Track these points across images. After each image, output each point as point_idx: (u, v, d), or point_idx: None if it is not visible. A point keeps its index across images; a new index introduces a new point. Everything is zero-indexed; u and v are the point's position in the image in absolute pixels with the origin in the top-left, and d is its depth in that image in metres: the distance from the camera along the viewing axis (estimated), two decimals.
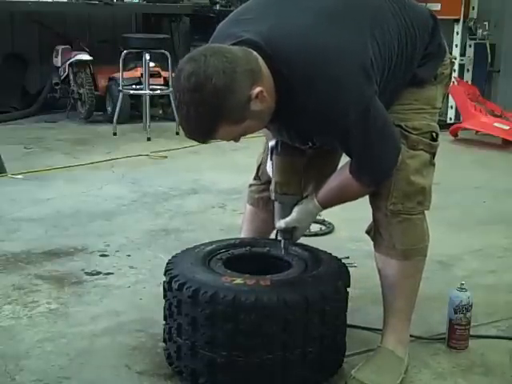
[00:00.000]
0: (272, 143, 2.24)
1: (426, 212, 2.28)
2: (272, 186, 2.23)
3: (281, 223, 2.20)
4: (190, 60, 1.83)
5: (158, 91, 6.29)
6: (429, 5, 6.40)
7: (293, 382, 2.04)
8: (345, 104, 1.90)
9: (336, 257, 2.30)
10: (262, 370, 1.99)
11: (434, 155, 2.21)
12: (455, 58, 2.26)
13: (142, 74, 6.15)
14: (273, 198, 2.23)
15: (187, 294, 2.01)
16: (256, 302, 1.95)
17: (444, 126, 6.46)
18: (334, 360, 2.15)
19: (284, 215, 2.20)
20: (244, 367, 1.99)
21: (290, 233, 2.20)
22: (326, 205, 2.18)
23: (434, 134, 2.18)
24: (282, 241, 2.23)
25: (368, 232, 2.25)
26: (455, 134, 6.08)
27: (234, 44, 1.90)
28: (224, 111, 1.81)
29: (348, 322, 2.22)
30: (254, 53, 1.87)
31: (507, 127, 5.75)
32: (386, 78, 2.02)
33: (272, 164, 2.23)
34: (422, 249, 2.21)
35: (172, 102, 6.11)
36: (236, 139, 1.96)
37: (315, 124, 1.97)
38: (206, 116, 1.80)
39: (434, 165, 2.23)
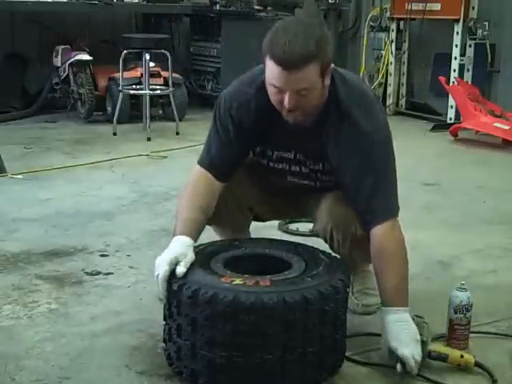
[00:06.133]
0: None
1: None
2: None
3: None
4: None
5: (158, 91, 6.29)
6: (429, 5, 6.43)
7: (293, 382, 2.04)
8: (379, 122, 2.23)
9: (336, 257, 2.29)
10: (261, 371, 1.99)
11: None
12: None
13: (141, 74, 6.15)
14: None
15: (187, 294, 2.01)
16: (255, 302, 1.95)
17: (444, 126, 6.48)
18: (334, 360, 2.14)
19: None
20: (244, 368, 1.99)
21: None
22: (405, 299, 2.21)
23: None
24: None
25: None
26: (455, 134, 6.08)
27: None
28: (323, 49, 2.05)
29: (348, 323, 2.21)
30: None
31: (507, 127, 5.74)
32: None
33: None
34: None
35: (172, 101, 6.13)
36: (298, 100, 2.09)
37: (350, 135, 2.17)
38: (313, 42, 2.03)
39: None
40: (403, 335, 2.13)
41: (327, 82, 2.13)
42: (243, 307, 1.95)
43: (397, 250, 2.20)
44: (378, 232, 2.19)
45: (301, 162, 2.35)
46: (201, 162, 2.38)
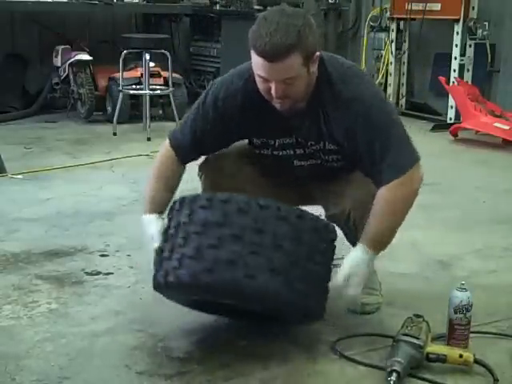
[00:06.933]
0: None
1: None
2: None
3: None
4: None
5: (158, 91, 6.29)
6: (429, 5, 6.43)
7: (257, 287, 2.02)
8: (371, 88, 2.31)
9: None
10: (228, 264, 2.01)
11: None
12: None
13: (142, 74, 6.15)
14: None
15: (176, 207, 2.22)
16: (230, 197, 2.06)
17: (444, 126, 6.48)
18: (304, 289, 2.09)
19: None
20: (212, 260, 2.02)
21: None
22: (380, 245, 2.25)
23: None
24: None
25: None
26: (455, 134, 6.08)
27: None
28: (304, 39, 2.09)
29: (348, 323, 2.21)
30: None
31: (507, 127, 5.74)
32: None
33: None
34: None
35: (172, 101, 6.13)
36: (285, 89, 2.14)
37: (347, 109, 2.21)
38: (294, 33, 2.07)
39: None
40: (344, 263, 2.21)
41: (313, 69, 2.18)
42: (219, 200, 2.06)
43: (396, 204, 2.24)
44: (385, 189, 2.23)
45: (303, 144, 2.38)
46: (171, 140, 2.63)
